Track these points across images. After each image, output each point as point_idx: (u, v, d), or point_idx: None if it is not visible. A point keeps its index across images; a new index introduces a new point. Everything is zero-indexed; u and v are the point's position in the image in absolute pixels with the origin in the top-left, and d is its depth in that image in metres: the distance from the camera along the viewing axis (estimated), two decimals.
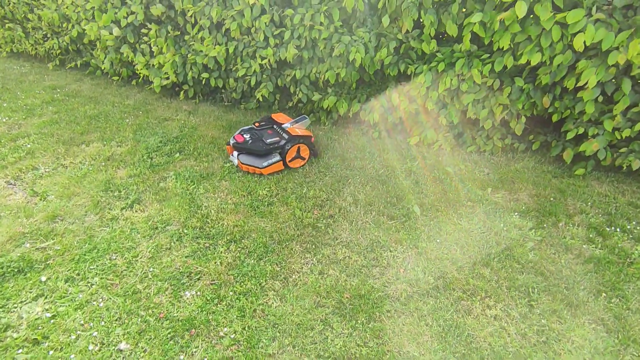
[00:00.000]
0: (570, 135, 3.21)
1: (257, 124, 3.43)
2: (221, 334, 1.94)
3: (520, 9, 2.65)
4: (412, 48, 3.44)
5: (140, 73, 4.80)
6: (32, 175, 3.19)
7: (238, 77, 4.19)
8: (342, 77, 3.63)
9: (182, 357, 1.83)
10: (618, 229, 2.67)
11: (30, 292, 2.16)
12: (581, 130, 3.17)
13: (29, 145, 3.61)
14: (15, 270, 2.29)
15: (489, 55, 3.16)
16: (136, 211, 2.79)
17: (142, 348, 1.86)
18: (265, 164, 3.18)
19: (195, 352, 1.85)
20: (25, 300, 2.11)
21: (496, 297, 2.15)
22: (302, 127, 3.45)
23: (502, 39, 2.95)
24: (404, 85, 3.62)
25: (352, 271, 2.31)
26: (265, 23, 3.58)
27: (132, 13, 4.33)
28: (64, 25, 5.19)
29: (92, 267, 2.32)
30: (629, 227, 2.69)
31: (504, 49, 3.05)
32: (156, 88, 4.59)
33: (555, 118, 3.28)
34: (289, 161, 3.31)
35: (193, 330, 1.95)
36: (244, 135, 3.27)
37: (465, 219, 2.76)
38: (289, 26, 3.58)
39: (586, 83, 2.86)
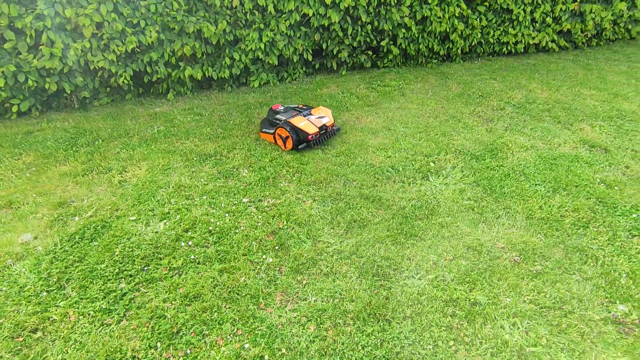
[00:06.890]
0: (334, 52, 5.86)
1: (300, 105, 4.12)
2: (346, 180, 3.29)
3: None
4: (239, 18, 5.05)
5: None
6: (82, 204, 2.83)
7: (97, 67, 4.44)
8: (196, 50, 4.79)
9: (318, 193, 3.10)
10: (376, 85, 5.54)
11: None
12: (337, 48, 5.87)
13: (21, 209, 2.87)
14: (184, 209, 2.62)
15: (285, 14, 5.26)
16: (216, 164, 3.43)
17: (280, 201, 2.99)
18: (264, 130, 4.01)
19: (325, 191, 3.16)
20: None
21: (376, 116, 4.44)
22: (316, 123, 3.86)
23: (288, 3, 5.09)
24: (239, 46, 5.20)
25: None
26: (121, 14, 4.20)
27: None
28: None
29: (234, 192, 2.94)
30: (379, 83, 5.62)
31: (292, 10, 5.22)
32: None
33: (324, 47, 5.83)
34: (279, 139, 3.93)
35: (321, 182, 3.22)
36: (280, 107, 4.06)
37: (329, 100, 4.89)
38: (138, 15, 4.34)
39: (335, 21, 5.46)
